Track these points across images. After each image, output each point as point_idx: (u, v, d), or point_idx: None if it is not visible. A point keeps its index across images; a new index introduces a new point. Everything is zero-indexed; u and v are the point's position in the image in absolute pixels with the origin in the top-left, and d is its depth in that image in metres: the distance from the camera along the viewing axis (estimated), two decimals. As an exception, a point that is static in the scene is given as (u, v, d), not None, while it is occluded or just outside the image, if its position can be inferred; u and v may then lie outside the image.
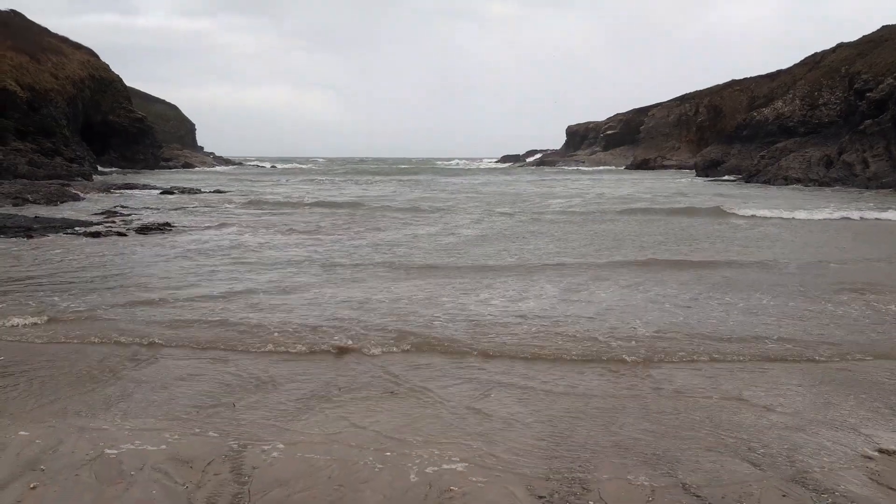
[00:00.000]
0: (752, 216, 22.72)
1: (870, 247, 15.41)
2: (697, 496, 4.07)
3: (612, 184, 48.28)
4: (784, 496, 4.07)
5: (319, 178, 58.66)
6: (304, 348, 7.13)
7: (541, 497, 4.06)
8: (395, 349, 7.12)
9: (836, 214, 22.95)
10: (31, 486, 4.13)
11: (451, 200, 30.69)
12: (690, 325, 8.16)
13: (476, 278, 11.17)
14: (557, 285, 10.59)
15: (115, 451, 4.59)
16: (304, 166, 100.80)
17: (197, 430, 4.96)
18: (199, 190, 35.72)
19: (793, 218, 22.18)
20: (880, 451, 4.72)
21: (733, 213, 23.41)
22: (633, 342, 7.37)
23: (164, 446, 4.66)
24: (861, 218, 22.38)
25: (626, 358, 6.81)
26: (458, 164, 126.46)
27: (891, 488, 4.18)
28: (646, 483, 4.22)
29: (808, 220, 22.00)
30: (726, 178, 56.18)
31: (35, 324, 7.92)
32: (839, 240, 16.82)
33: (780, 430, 5.07)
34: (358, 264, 12.54)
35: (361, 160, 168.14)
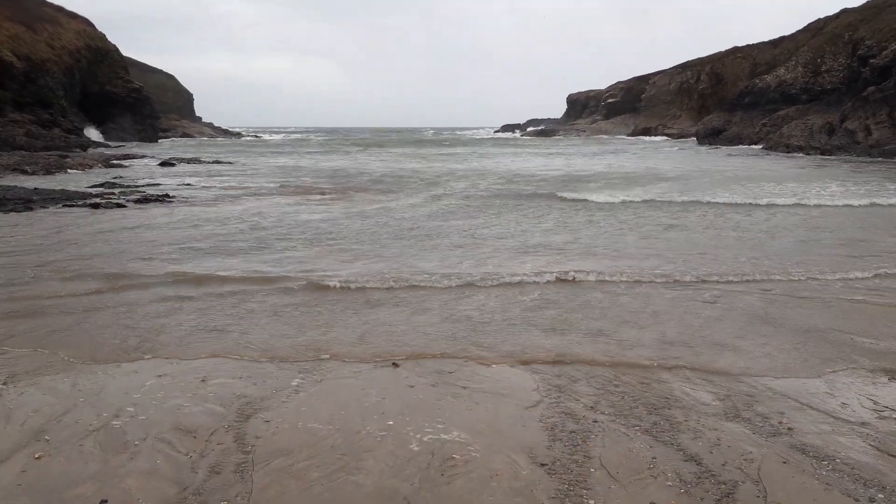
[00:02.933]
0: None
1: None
2: (698, 463, 4.09)
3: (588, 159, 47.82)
4: (784, 463, 4.10)
5: (317, 149, 58.39)
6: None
7: (543, 465, 4.08)
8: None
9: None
10: (36, 455, 4.15)
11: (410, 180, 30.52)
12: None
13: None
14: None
15: (119, 422, 4.61)
16: (304, 137, 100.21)
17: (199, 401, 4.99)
18: (199, 160, 35.59)
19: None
20: (880, 417, 4.74)
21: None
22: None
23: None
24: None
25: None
26: (461, 134, 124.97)
27: (891, 455, 4.21)
28: (646, 450, 4.25)
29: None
30: (739, 146, 55.82)
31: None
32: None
33: (777, 395, 5.10)
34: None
35: (362, 131, 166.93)
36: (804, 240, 12.23)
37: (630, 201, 18.29)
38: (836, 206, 17.43)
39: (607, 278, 8.98)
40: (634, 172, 29.48)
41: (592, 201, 18.31)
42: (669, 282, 8.86)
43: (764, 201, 17.93)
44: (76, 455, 4.18)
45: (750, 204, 17.61)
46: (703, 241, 12.12)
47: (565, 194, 19.72)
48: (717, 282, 8.88)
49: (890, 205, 17.50)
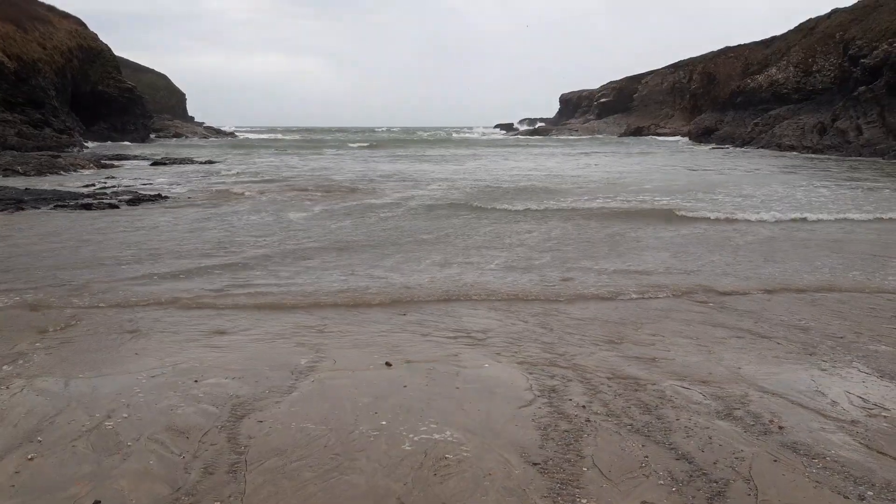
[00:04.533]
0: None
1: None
2: (690, 462, 4.12)
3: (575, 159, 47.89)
4: (775, 461, 4.13)
5: (307, 151, 58.23)
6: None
7: (535, 464, 4.10)
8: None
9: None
10: (29, 457, 4.15)
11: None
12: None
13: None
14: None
15: (112, 422, 4.61)
16: (297, 137, 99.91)
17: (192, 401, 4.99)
18: (191, 160, 35.48)
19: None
20: (870, 416, 4.78)
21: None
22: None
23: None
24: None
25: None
26: (455, 134, 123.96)
27: (881, 452, 4.24)
28: (638, 449, 4.27)
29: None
30: (726, 146, 56.08)
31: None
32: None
33: (768, 395, 5.13)
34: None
35: (355, 130, 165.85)
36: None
37: (601, 209, 16.44)
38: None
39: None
40: (620, 175, 29.52)
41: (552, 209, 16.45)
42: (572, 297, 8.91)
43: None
44: (69, 456, 4.18)
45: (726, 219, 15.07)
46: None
47: (530, 204, 17.33)
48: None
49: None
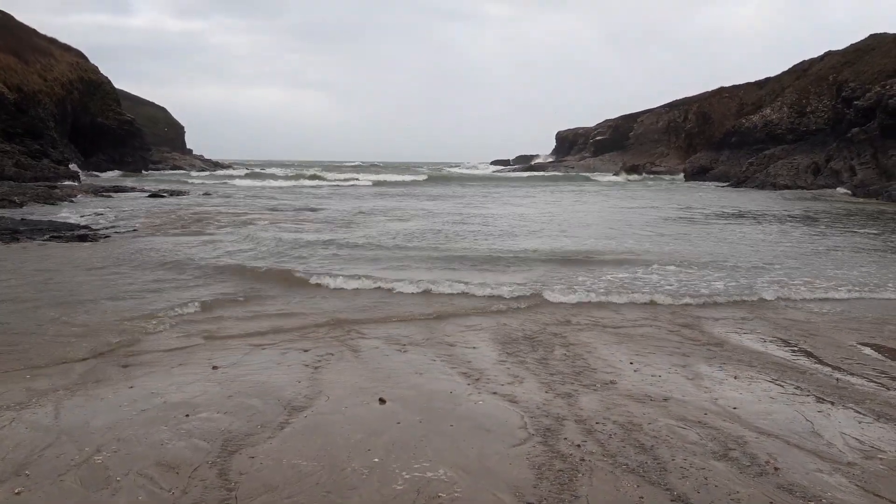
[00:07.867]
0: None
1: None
2: (685, 503, 4.07)
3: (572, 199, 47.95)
4: (772, 503, 4.09)
5: (306, 183, 58.42)
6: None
7: (529, 503, 4.05)
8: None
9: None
10: (16, 491, 4.09)
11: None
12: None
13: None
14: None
15: (101, 457, 4.56)
16: (296, 171, 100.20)
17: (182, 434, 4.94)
18: (187, 193, 35.60)
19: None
20: (866, 458, 4.75)
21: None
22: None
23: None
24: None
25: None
26: (446, 169, 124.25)
27: (877, 495, 4.21)
28: (633, 489, 4.23)
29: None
30: (715, 183, 56.42)
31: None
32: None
33: (765, 436, 5.10)
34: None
35: (354, 166, 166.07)
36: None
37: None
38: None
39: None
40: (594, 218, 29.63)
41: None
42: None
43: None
44: (57, 490, 4.12)
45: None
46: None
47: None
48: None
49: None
